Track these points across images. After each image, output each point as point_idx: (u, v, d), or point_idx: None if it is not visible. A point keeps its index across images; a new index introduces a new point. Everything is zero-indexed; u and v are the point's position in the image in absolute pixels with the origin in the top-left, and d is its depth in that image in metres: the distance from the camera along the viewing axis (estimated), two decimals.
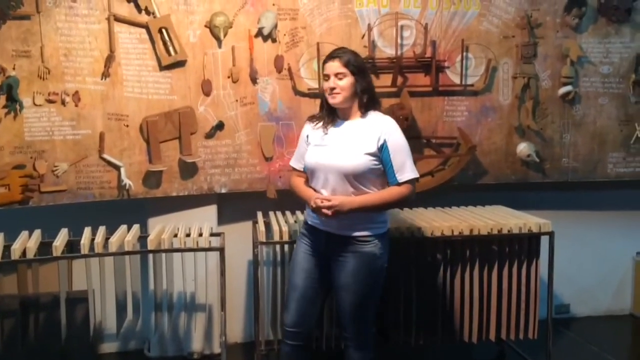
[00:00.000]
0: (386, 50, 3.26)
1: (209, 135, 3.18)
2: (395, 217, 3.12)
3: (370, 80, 2.40)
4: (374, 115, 2.38)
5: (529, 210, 3.29)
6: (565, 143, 3.47)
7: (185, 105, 3.12)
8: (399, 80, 3.27)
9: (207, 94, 3.15)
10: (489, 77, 3.34)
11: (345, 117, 2.40)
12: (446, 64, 3.31)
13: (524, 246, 3.00)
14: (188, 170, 3.18)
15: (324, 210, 2.28)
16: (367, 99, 2.37)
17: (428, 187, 3.29)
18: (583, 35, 3.41)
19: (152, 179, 3.13)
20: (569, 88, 3.40)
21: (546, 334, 3.06)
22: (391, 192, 2.33)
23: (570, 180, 3.52)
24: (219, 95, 3.16)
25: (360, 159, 2.31)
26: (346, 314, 2.42)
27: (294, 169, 2.55)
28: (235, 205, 3.35)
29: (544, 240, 3.01)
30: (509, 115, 3.41)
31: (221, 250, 2.88)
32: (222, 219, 3.34)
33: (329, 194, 2.37)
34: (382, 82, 3.27)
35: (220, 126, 3.18)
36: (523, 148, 3.40)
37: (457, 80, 3.32)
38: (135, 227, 2.95)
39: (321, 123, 2.44)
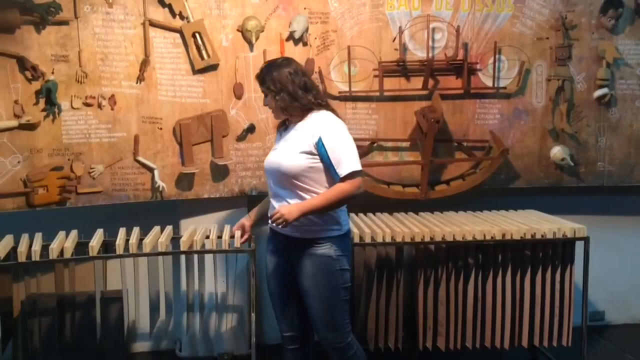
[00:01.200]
0: (417, 53, 3.25)
1: (240, 138, 3.21)
2: (426, 221, 3.11)
3: (294, 91, 2.33)
4: (314, 115, 2.37)
5: (562, 214, 3.24)
6: (601, 146, 3.40)
7: (217, 108, 3.15)
8: (430, 83, 3.26)
9: (238, 97, 3.18)
10: (522, 80, 3.30)
11: (292, 121, 2.43)
12: (478, 66, 3.29)
13: (557, 251, 2.97)
14: (220, 172, 3.21)
15: (278, 223, 2.29)
16: (295, 109, 2.36)
17: (459, 190, 3.26)
18: (619, 36, 3.34)
19: (184, 181, 3.16)
20: (604, 90, 3.34)
21: (580, 342, 3.01)
22: (334, 190, 2.29)
23: (606, 184, 3.45)
24: (250, 98, 3.19)
25: (295, 158, 2.31)
26: (315, 321, 2.41)
27: None
28: None
29: (579, 246, 2.98)
30: (542, 118, 3.36)
31: (252, 252, 2.88)
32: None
33: (276, 199, 2.39)
34: (413, 84, 3.27)
35: (251, 129, 3.20)
36: (557, 152, 3.35)
37: (489, 83, 3.30)
38: (168, 229, 2.99)
39: (281, 129, 2.51)
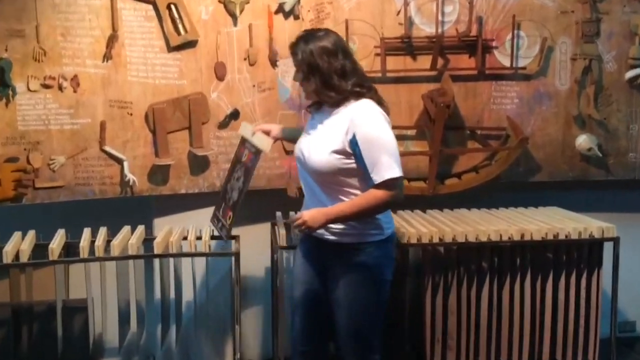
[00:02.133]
0: (425, 28, 3.25)
1: (223, 125, 3.19)
2: (434, 220, 3.12)
3: (328, 76, 2.24)
4: (352, 104, 2.27)
5: (588, 212, 3.27)
6: (633, 135, 3.40)
7: (195, 91, 3.14)
8: (440, 62, 3.25)
9: (220, 78, 3.16)
10: (543, 59, 3.30)
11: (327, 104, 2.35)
12: (494, 43, 3.29)
13: (583, 254, 3.00)
14: (199, 164, 3.20)
15: (300, 230, 2.28)
16: (328, 96, 2.28)
17: (472, 185, 3.26)
18: None
19: (158, 174, 3.15)
20: (637, 71, 3.34)
21: (609, 355, 3.04)
22: (366, 198, 2.22)
23: (638, 178, 3.45)
24: (233, 79, 3.18)
25: (325, 156, 2.25)
26: (340, 334, 2.39)
27: None
28: (251, 205, 3.28)
29: (607, 247, 3.00)
30: (566, 102, 3.37)
31: (236, 255, 2.90)
32: (237, 220, 3.29)
33: (308, 191, 2.38)
34: (420, 64, 3.26)
35: (235, 115, 3.19)
36: (583, 141, 3.36)
37: (506, 63, 3.30)
38: (140, 229, 2.98)
39: (313, 107, 2.43)
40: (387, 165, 2.19)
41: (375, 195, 2.21)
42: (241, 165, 2.70)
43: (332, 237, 2.33)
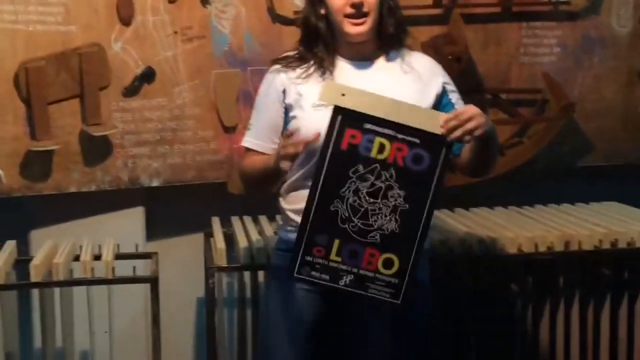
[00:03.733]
0: None
1: (131, 92, 3.18)
2: (442, 223, 3.13)
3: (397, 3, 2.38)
4: (409, 54, 2.38)
5: None
6: None
7: (89, 41, 3.12)
8: None
9: (126, 22, 3.15)
10: None
11: (359, 56, 2.33)
12: None
13: None
14: (96, 149, 3.18)
15: (472, 127, 2.06)
16: (398, 27, 2.34)
17: (497, 172, 3.22)
18: None
19: (35, 165, 3.13)
20: None
21: None
22: None
23: None
24: (145, 24, 3.18)
25: None
26: None
27: (250, 151, 2.37)
28: (175, 208, 3.39)
29: None
30: (628, 52, 3.45)
31: (152, 280, 2.88)
32: (154, 231, 3.40)
33: None
34: None
35: (148, 75, 3.19)
36: None
37: None
38: (10, 245, 2.96)
39: (312, 68, 2.32)
40: None
41: None
42: (375, 167, 2.09)
43: None
